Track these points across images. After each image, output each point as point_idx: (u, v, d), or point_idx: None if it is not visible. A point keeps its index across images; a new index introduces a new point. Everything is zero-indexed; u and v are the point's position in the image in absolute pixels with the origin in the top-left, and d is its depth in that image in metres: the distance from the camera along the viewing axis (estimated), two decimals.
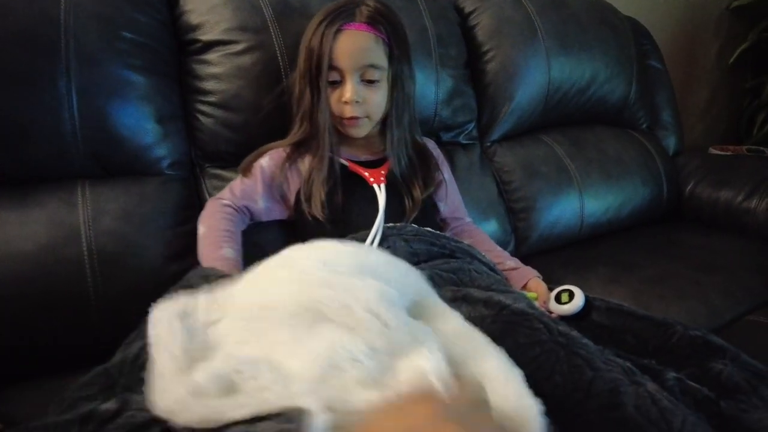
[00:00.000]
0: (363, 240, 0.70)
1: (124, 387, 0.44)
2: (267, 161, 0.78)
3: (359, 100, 0.73)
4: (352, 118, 0.75)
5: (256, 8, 0.86)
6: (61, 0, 0.72)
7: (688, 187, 1.28)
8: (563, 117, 1.19)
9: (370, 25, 0.73)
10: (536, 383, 0.47)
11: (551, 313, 0.69)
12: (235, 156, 0.87)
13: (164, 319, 0.43)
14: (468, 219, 0.91)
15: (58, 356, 0.70)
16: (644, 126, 1.34)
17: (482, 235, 0.89)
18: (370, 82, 0.74)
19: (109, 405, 0.40)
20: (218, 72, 0.85)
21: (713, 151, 1.79)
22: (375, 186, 0.77)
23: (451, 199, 0.88)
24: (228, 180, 0.86)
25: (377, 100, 0.75)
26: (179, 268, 0.76)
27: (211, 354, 0.41)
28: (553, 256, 1.08)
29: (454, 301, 0.59)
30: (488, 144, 1.12)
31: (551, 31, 1.12)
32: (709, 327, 0.81)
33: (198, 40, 0.85)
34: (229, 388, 0.38)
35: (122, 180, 0.78)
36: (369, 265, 0.46)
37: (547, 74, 1.11)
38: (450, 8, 1.09)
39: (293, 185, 0.78)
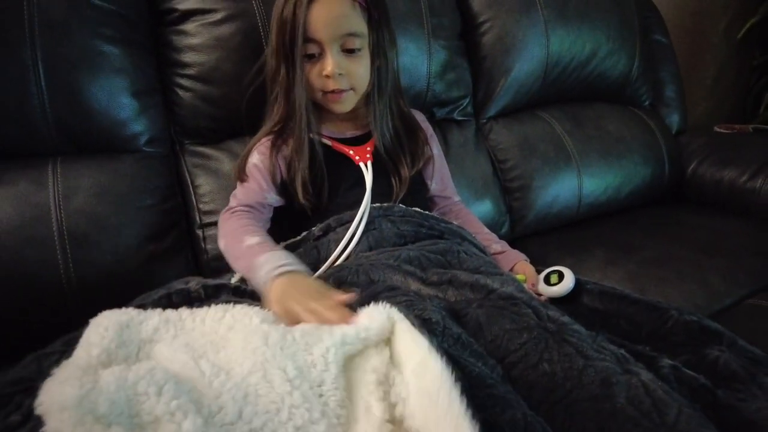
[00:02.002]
0: (350, 221, 0.67)
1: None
2: (257, 157, 0.72)
3: (342, 72, 0.68)
4: (335, 91, 0.70)
5: None
6: None
7: (691, 167, 1.24)
8: (562, 93, 1.14)
9: None
10: (523, 371, 0.45)
11: (540, 295, 0.66)
12: (216, 132, 0.83)
13: (102, 324, 0.42)
14: (456, 198, 0.87)
15: (33, 339, 0.67)
16: (647, 103, 1.29)
17: (470, 216, 0.86)
18: (351, 51, 0.69)
19: (15, 417, 0.38)
20: (196, 43, 0.80)
21: (718, 129, 1.74)
22: (361, 164, 0.73)
23: (439, 177, 0.84)
24: (209, 157, 0.83)
25: (360, 70, 0.70)
26: (157, 249, 0.74)
27: (131, 364, 0.39)
28: (550, 237, 1.05)
29: (439, 285, 0.57)
30: (484, 120, 1.08)
31: (550, 1, 1.07)
32: (709, 310, 0.79)
33: (175, 9, 0.80)
34: (128, 405, 0.35)
35: (96, 157, 0.75)
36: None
37: (546, 47, 1.06)
38: None
39: (284, 173, 0.73)
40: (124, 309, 0.46)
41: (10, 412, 0.41)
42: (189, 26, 0.80)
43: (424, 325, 0.44)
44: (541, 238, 1.04)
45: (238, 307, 0.47)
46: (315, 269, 0.64)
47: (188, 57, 0.81)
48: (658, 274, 0.85)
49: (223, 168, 0.82)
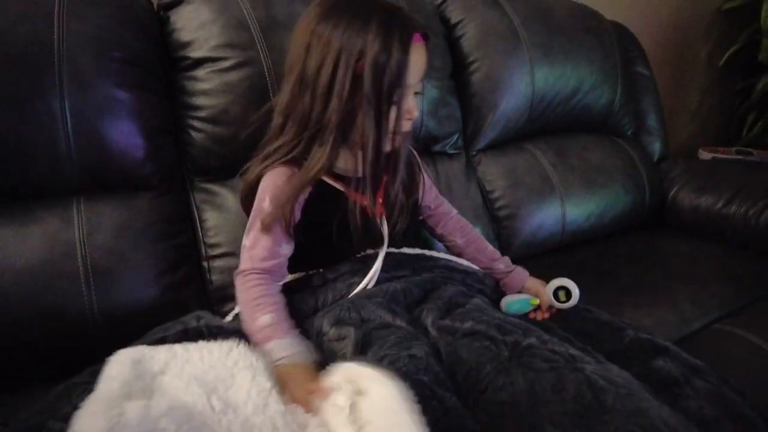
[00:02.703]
0: (348, 272, 0.71)
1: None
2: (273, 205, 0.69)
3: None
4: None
5: (243, 25, 0.88)
6: (55, 24, 0.75)
7: (671, 193, 1.31)
8: (547, 125, 1.21)
9: (423, 35, 0.68)
10: (492, 394, 0.52)
11: (551, 307, 0.77)
12: (223, 170, 0.90)
13: (119, 360, 0.47)
14: (454, 212, 0.88)
15: (59, 367, 0.73)
16: (629, 132, 1.37)
17: (472, 232, 0.88)
18: (418, 93, 0.70)
19: None
20: (207, 88, 0.87)
21: (703, 152, 1.81)
22: (377, 220, 0.72)
23: (430, 194, 0.85)
24: (215, 194, 0.89)
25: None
26: (171, 281, 0.80)
27: (150, 395, 0.45)
28: (536, 263, 1.10)
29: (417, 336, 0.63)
30: (473, 153, 1.15)
31: (536, 41, 1.14)
32: (678, 335, 0.85)
33: (188, 57, 0.88)
34: None
35: (115, 195, 0.81)
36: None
37: (532, 84, 1.14)
38: (435, 19, 1.11)
39: (296, 217, 0.70)
40: (136, 347, 0.52)
41: None
42: (200, 73, 0.87)
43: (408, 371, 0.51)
44: (527, 263, 1.09)
45: (242, 346, 0.54)
46: (314, 311, 0.68)
47: (200, 101, 0.88)
48: (632, 300, 0.91)
49: (227, 203, 0.89)
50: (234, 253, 0.85)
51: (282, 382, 0.56)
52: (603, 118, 1.30)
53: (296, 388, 0.54)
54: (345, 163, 0.71)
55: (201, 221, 0.88)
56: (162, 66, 0.88)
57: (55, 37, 0.75)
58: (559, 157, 1.18)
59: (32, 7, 0.75)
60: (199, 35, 0.87)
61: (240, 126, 0.87)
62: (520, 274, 0.84)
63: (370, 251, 0.74)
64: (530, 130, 1.19)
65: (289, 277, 0.74)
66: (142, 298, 0.76)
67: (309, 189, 0.69)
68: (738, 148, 1.86)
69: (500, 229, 1.11)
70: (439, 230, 0.87)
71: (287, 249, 0.71)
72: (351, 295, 0.68)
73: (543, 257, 1.13)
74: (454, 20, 1.13)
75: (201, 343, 0.53)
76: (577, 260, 1.09)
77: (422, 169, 0.84)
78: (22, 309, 0.70)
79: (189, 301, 0.80)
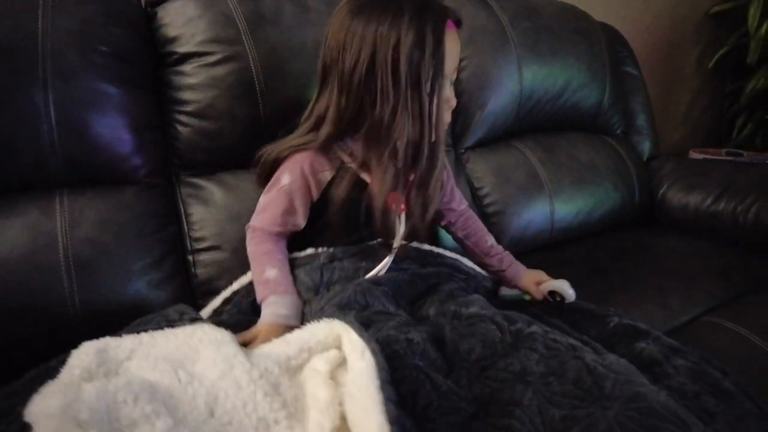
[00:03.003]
0: (356, 254, 0.72)
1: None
2: (294, 178, 0.71)
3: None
4: None
5: (230, 20, 0.88)
6: (39, 16, 0.75)
7: (661, 191, 1.31)
8: (536, 123, 1.22)
9: (455, 21, 0.67)
10: (495, 373, 0.52)
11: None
12: (209, 164, 0.90)
13: (82, 350, 0.47)
14: (463, 206, 0.88)
15: (39, 360, 0.72)
16: (619, 131, 1.38)
17: (473, 227, 0.88)
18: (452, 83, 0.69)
19: (15, 426, 0.42)
20: (194, 82, 0.87)
21: (693, 154, 1.82)
22: (400, 216, 0.72)
23: (445, 189, 0.83)
24: (201, 188, 0.89)
25: None
26: (155, 274, 0.79)
27: (113, 378, 0.44)
28: (525, 259, 1.09)
29: (422, 318, 0.64)
30: (462, 151, 1.15)
31: (523, 39, 1.15)
32: (666, 328, 0.85)
33: (175, 52, 0.88)
34: (107, 412, 0.39)
35: (100, 189, 0.81)
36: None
37: (519, 83, 1.14)
38: None
39: (314, 195, 0.72)
40: (100, 339, 0.51)
41: (11, 422, 0.45)
42: (187, 67, 0.87)
43: (409, 345, 0.52)
44: (516, 259, 1.10)
45: (206, 326, 0.53)
46: (317, 287, 0.68)
47: (186, 95, 0.88)
48: (621, 296, 0.91)
49: (213, 197, 0.88)
50: (219, 247, 0.85)
51: (260, 333, 0.59)
52: (592, 116, 1.30)
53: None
54: None
55: (186, 215, 0.88)
56: (149, 61, 0.88)
57: (39, 31, 0.75)
58: (548, 155, 1.18)
59: (16, 2, 0.75)
60: (186, 30, 0.87)
61: (226, 120, 0.88)
62: (514, 273, 0.84)
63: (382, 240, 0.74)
64: (519, 128, 1.20)
65: (297, 254, 0.74)
66: (125, 291, 0.75)
67: (333, 172, 0.71)
68: (728, 149, 1.87)
69: (489, 226, 1.08)
70: (443, 223, 0.88)
71: (299, 219, 0.72)
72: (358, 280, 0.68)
73: (532, 254, 1.12)
74: None
75: (167, 330, 0.52)
76: (567, 257, 1.09)
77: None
78: (1, 300, 0.68)
79: (173, 295, 0.79)
